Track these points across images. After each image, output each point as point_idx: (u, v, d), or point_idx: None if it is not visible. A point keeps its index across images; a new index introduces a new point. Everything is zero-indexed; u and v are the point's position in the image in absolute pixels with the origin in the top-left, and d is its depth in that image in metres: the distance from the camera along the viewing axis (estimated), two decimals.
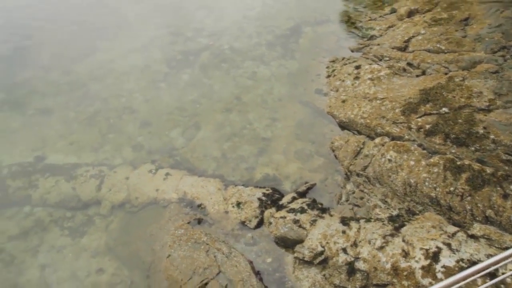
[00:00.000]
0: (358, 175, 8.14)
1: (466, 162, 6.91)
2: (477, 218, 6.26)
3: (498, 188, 6.31)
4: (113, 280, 7.84)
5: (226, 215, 8.14)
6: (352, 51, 11.26)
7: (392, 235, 6.49)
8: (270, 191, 8.39)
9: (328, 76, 10.52)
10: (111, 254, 8.24)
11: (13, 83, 12.66)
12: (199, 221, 8.21)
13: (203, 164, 9.39)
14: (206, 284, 6.92)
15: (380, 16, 12.41)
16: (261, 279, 6.99)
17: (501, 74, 8.33)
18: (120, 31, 14.62)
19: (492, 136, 7.11)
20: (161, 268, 7.53)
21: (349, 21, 12.82)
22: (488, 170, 6.63)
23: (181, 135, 10.16)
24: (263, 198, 8.21)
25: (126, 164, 9.79)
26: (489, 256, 5.50)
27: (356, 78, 9.89)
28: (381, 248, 6.34)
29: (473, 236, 5.96)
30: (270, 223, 7.71)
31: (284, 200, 8.12)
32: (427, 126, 7.80)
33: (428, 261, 5.81)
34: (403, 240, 6.31)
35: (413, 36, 10.48)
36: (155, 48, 13.29)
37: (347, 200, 8.02)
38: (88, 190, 9.38)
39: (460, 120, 7.61)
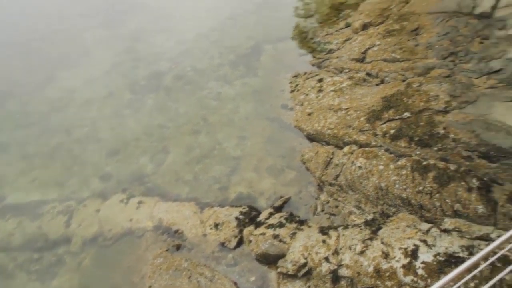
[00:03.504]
0: (330, 184, 8.50)
1: (431, 161, 7.43)
2: (447, 213, 6.72)
3: (463, 183, 6.84)
4: None
5: (205, 238, 8.22)
6: (313, 65, 11.81)
7: (370, 239, 6.83)
8: (247, 209, 8.58)
9: (292, 91, 10.97)
10: None
11: None
12: (178, 247, 8.24)
13: (176, 188, 9.46)
14: None
15: (336, 31, 13.10)
16: None
17: (453, 78, 9.06)
18: (79, 59, 14.58)
19: (452, 135, 7.70)
20: None
21: (307, 37, 13.44)
22: (452, 167, 7.16)
23: (151, 161, 10.21)
24: (241, 216, 8.38)
25: (95, 196, 9.71)
26: (462, 247, 5.93)
27: (320, 91, 10.38)
28: (361, 252, 6.65)
29: (445, 230, 6.40)
30: (250, 241, 7.87)
31: (261, 217, 8.32)
32: (392, 131, 8.31)
33: (408, 259, 6.17)
34: (382, 242, 6.65)
35: (369, 48, 11.15)
36: (117, 74, 13.34)
37: (323, 210, 8.33)
38: (56, 228, 9.21)
39: (421, 123, 8.18)
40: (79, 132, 11.42)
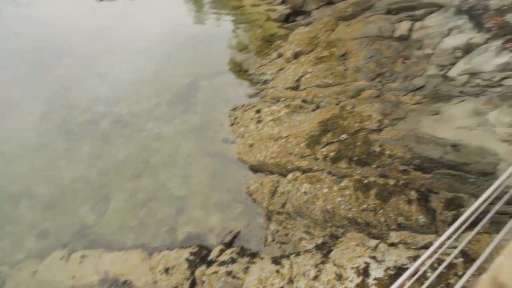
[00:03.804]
0: (278, 213, 8.58)
1: (372, 179, 7.76)
2: (392, 227, 7.00)
3: (403, 196, 7.19)
4: None
5: (156, 285, 7.92)
6: (250, 97, 12.09)
7: (323, 263, 6.91)
8: (197, 248, 8.40)
9: (232, 124, 11.11)
10: None
11: None
12: None
13: (121, 236, 9.10)
14: None
15: (269, 61, 13.59)
16: None
17: (382, 97, 9.64)
18: (5, 110, 13.84)
19: (387, 152, 8.11)
20: None
21: (242, 70, 13.80)
22: (391, 182, 7.52)
23: (92, 211, 9.78)
24: (191, 257, 8.18)
25: (32, 257, 9.10)
26: (410, 258, 6.16)
27: (259, 121, 10.61)
28: (315, 277, 6.70)
29: (392, 244, 6.64)
30: (203, 281, 7.68)
31: (212, 255, 8.18)
32: (332, 154, 8.62)
33: (360, 278, 6.29)
34: (334, 264, 6.76)
35: (302, 75, 11.64)
36: (49, 124, 12.82)
37: (273, 240, 8.35)
38: None
39: (358, 143, 8.56)
40: (9, 189, 10.73)
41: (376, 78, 10.48)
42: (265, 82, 12.52)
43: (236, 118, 11.19)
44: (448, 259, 2.95)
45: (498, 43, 9.76)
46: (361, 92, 10.15)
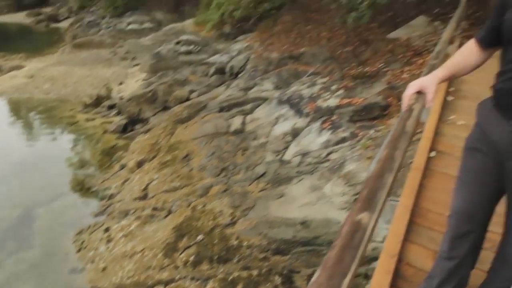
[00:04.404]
0: None
1: (236, 274, 7.79)
2: None
3: (268, 284, 7.37)
4: None
5: None
6: (96, 215, 11.38)
7: None
8: None
9: (79, 250, 10.14)
10: None
11: None
12: None
13: None
14: None
15: (112, 175, 13.21)
16: None
17: (230, 191, 10.11)
18: None
19: (245, 243, 8.35)
20: None
21: (83, 188, 13.05)
22: (255, 272, 7.67)
23: None
24: None
25: None
26: None
27: (109, 240, 9.96)
28: None
29: None
30: None
31: None
32: (191, 258, 8.47)
33: None
34: None
35: (149, 183, 11.57)
36: None
37: None
38: None
39: (216, 241, 8.63)
40: None
41: (221, 173, 11.01)
42: (111, 196, 12.00)
43: (83, 242, 10.28)
44: None
45: (317, 124, 11.37)
46: (209, 189, 10.48)
